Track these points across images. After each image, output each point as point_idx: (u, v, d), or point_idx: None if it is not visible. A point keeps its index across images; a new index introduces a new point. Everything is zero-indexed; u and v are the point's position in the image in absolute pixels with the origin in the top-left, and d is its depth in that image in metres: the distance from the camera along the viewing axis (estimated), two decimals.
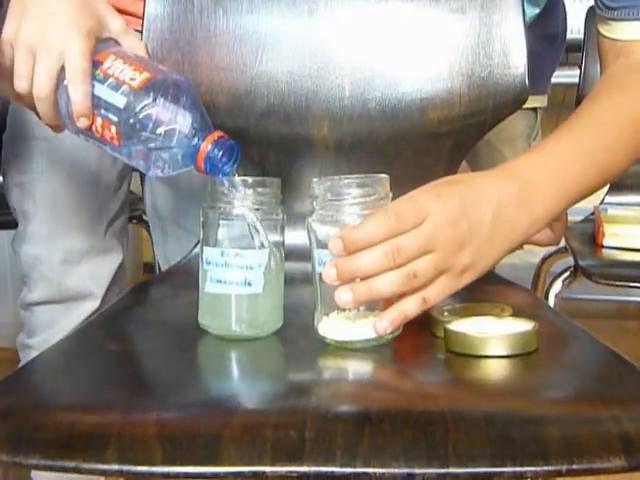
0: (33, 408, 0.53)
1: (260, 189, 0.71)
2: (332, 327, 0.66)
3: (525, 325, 0.66)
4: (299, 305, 0.74)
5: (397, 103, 0.90)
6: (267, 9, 0.91)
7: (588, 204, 1.61)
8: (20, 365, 1.12)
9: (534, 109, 1.45)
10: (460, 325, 0.66)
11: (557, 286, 1.11)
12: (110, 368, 0.59)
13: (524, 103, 0.89)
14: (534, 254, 1.62)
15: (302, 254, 0.90)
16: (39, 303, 1.12)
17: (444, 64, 0.90)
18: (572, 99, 1.61)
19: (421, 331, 0.71)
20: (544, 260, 1.45)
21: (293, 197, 0.89)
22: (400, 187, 0.91)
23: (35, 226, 1.12)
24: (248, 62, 0.90)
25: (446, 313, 0.71)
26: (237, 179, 0.70)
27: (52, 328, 1.11)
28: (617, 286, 1.00)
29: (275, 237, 0.72)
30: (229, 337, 0.68)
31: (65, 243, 1.11)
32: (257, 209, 0.70)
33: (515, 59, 0.88)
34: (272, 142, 0.92)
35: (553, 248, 1.42)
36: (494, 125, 0.91)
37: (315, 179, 0.69)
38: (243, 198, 0.70)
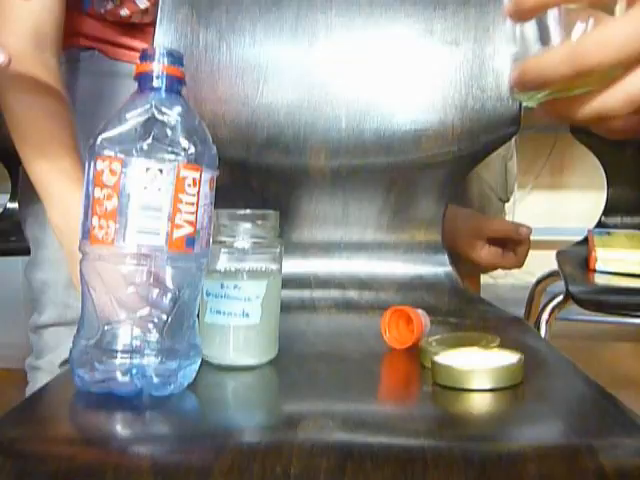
0: (36, 440, 0.55)
1: (259, 222, 0.74)
2: None
3: (511, 358, 0.67)
4: (294, 333, 0.77)
5: (392, 135, 0.93)
6: (269, 42, 0.94)
7: (583, 226, 1.63)
8: (28, 387, 1.16)
9: None
10: (447, 357, 0.68)
11: (549, 311, 1.13)
12: (110, 399, 0.61)
13: (515, 134, 0.92)
14: (532, 274, 1.64)
15: (299, 281, 0.93)
16: (46, 326, 1.15)
17: (438, 96, 0.92)
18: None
19: (410, 361, 0.73)
20: (538, 282, 1.47)
21: (291, 225, 0.92)
22: (395, 213, 0.95)
23: (45, 252, 1.15)
24: (249, 94, 0.94)
25: (434, 343, 0.74)
26: (237, 213, 0.73)
27: (57, 349, 1.14)
28: (608, 313, 1.01)
29: (273, 267, 0.74)
30: (226, 366, 0.71)
31: None
32: (256, 242, 0.73)
33: (508, 92, 0.91)
34: (272, 172, 0.95)
35: (547, 270, 1.44)
36: (486, 156, 0.94)
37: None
38: (243, 232, 0.73)
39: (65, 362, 1.13)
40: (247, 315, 0.71)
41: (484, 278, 1.41)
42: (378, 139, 0.93)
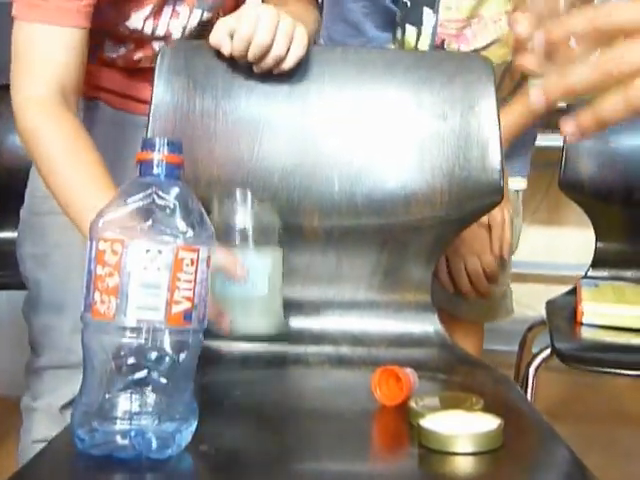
0: None
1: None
2: None
3: (491, 423, 0.71)
4: (289, 389, 0.81)
5: (382, 198, 0.97)
6: (264, 108, 0.99)
7: (579, 261, 1.65)
8: (23, 428, 1.17)
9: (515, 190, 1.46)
10: (432, 421, 0.71)
11: (535, 366, 1.15)
12: (110, 461, 0.64)
13: (499, 203, 0.97)
14: (531, 307, 1.66)
15: (293, 337, 0.96)
16: (46, 368, 1.16)
17: (427, 164, 0.97)
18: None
19: (399, 419, 0.77)
20: (530, 328, 1.49)
21: (286, 283, 0.95)
22: (386, 274, 0.98)
23: (47, 295, 1.17)
24: (245, 157, 0.98)
25: (422, 404, 0.77)
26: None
27: (56, 392, 1.15)
28: (590, 371, 1.03)
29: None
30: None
31: (75, 313, 1.16)
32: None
33: (491, 164, 0.96)
34: None
35: (538, 318, 1.47)
36: (472, 222, 0.98)
37: None
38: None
39: (65, 406, 1.15)
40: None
41: None
42: (370, 202, 0.97)
